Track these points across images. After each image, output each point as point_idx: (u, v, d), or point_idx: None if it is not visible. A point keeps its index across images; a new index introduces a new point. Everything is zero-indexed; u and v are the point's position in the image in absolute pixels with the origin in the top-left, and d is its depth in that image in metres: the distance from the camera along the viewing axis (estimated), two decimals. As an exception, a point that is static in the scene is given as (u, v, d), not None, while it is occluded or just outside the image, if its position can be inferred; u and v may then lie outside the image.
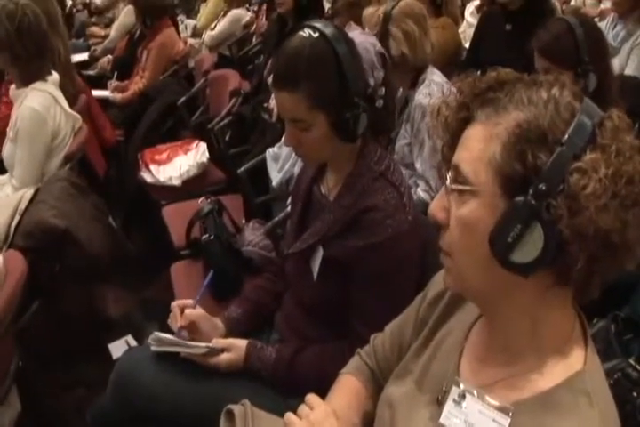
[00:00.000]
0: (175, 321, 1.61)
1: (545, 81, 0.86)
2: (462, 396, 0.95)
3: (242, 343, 1.58)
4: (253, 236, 2.33)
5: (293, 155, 2.50)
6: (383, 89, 1.50)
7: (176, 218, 2.84)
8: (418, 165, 2.43)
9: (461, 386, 0.95)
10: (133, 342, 2.66)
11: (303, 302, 1.63)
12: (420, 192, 2.38)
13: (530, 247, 0.80)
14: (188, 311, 1.61)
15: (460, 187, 0.86)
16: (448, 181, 0.88)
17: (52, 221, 2.13)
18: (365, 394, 1.24)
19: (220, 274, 1.82)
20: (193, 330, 1.63)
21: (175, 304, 1.64)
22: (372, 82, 1.47)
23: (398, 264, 1.45)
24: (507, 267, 0.83)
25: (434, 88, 2.43)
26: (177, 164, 3.35)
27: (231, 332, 1.69)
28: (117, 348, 2.62)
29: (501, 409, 0.89)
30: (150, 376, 1.57)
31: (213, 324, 1.67)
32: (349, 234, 1.46)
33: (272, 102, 2.94)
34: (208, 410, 1.45)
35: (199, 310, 1.65)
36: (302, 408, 1.11)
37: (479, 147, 0.84)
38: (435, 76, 2.50)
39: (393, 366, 1.18)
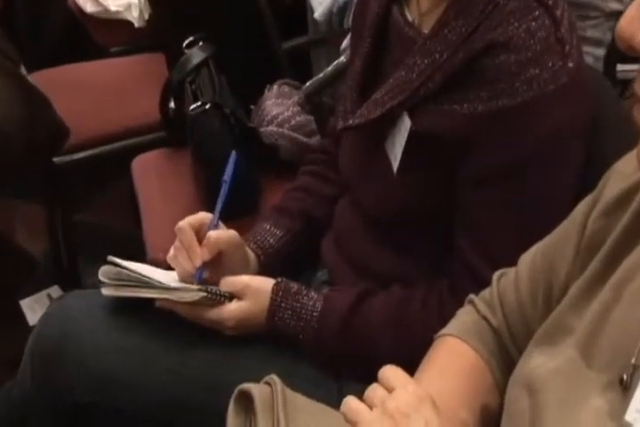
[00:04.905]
0: (193, 255, 1.59)
1: None
2: None
3: (264, 285, 1.60)
4: (281, 107, 2.36)
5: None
6: None
7: (139, 77, 2.88)
8: None
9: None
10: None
11: (371, 213, 1.64)
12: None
13: None
14: (213, 233, 1.60)
15: None
16: None
17: None
18: (483, 371, 1.27)
19: (220, 173, 1.80)
20: (216, 267, 1.63)
21: (186, 223, 1.62)
22: None
23: (546, 147, 1.45)
24: None
25: None
26: (137, -17, 3.35)
27: (270, 270, 1.71)
28: (34, 307, 2.70)
29: None
30: (99, 341, 1.60)
31: (245, 255, 1.69)
32: (461, 92, 1.45)
33: None
34: (203, 397, 1.51)
35: (230, 231, 1.65)
36: (374, 390, 1.11)
37: None
38: None
39: (534, 322, 1.20)
